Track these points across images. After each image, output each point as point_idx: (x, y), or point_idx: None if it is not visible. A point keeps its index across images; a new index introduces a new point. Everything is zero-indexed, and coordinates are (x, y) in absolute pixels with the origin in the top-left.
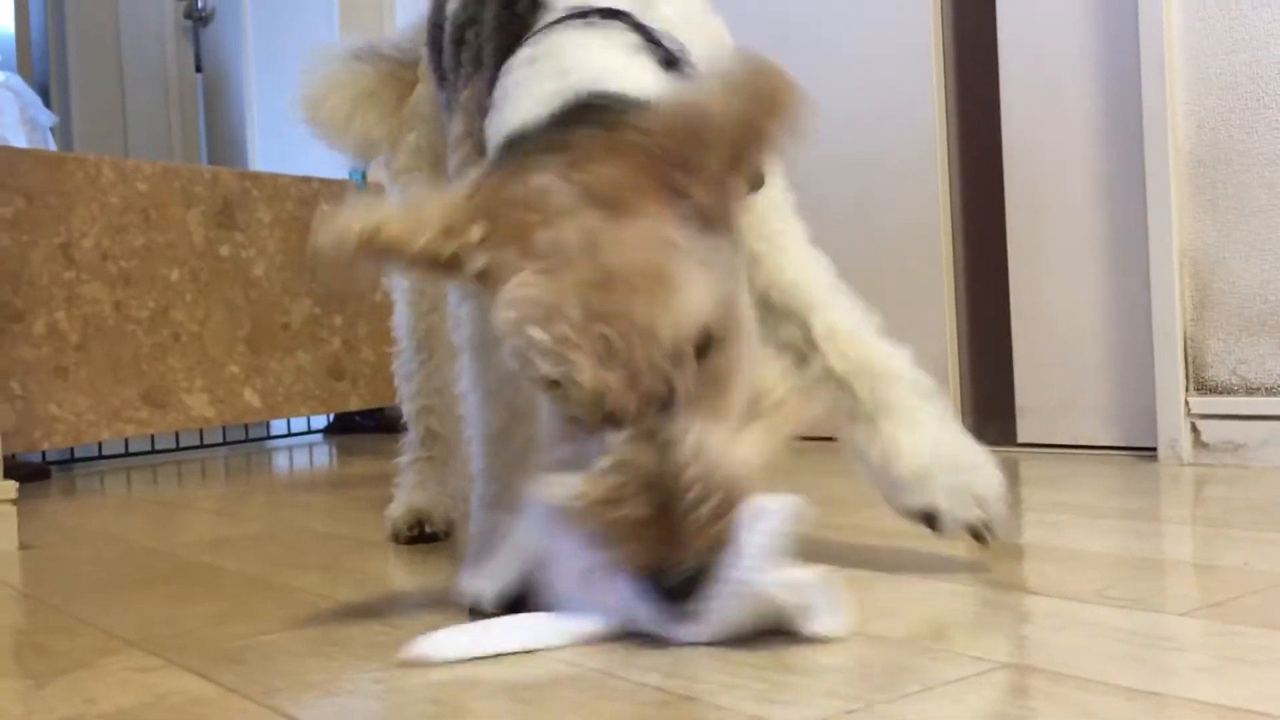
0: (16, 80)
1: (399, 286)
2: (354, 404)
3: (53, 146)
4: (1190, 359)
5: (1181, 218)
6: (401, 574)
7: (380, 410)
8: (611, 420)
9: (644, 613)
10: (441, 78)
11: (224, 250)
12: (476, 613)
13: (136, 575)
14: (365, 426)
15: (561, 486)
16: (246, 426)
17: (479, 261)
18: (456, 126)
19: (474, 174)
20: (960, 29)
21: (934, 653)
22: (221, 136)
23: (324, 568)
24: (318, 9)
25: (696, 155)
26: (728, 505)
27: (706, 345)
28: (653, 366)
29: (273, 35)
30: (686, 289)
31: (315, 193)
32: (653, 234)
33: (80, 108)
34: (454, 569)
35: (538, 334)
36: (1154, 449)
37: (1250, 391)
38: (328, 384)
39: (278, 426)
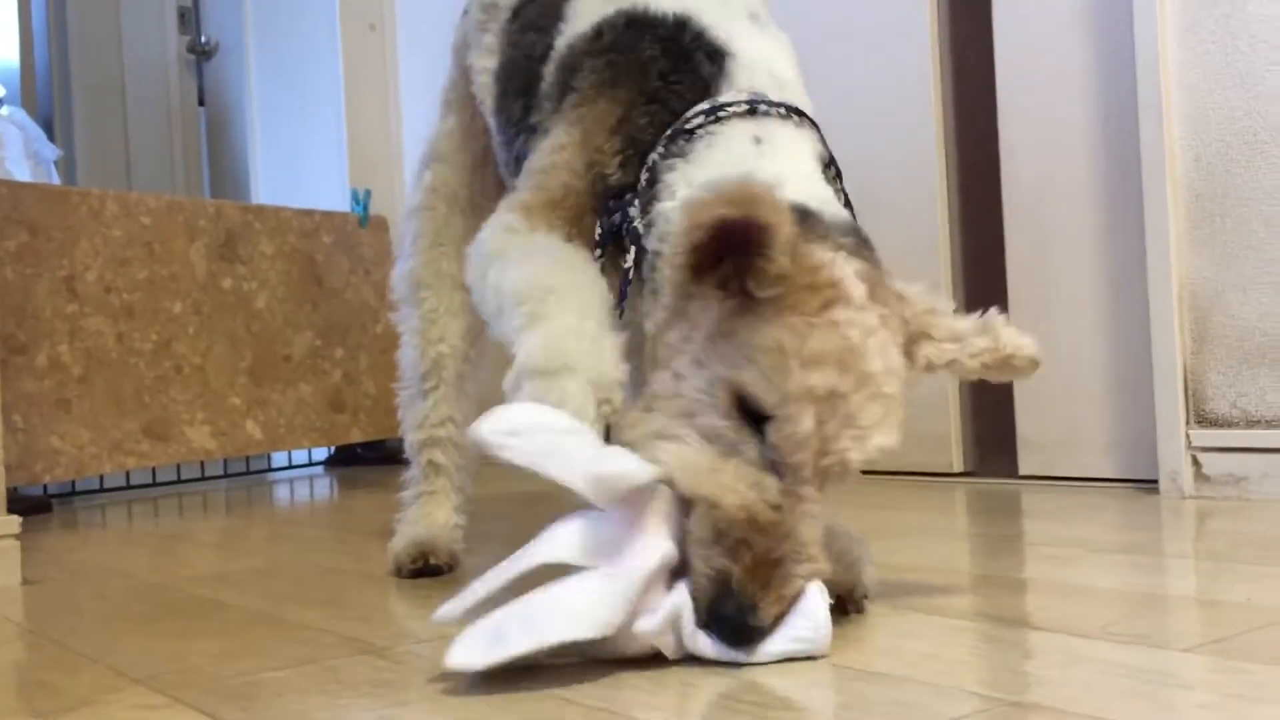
0: (20, 114)
1: (406, 318)
2: (355, 436)
3: (56, 180)
4: (1190, 392)
5: (1180, 252)
6: (405, 608)
7: (381, 442)
8: (775, 469)
9: (682, 627)
10: (528, 105)
11: (226, 283)
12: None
13: (140, 611)
14: (366, 459)
15: (724, 481)
16: (248, 459)
17: (773, 288)
18: (553, 139)
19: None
20: (959, 65)
21: (938, 689)
22: (224, 169)
23: (327, 603)
24: (319, 43)
25: (929, 329)
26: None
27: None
28: (842, 461)
29: (275, 69)
30: (896, 425)
31: (317, 225)
32: (899, 362)
33: (84, 141)
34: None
35: (796, 369)
36: (1156, 482)
37: (1251, 424)
38: (329, 416)
39: (279, 459)
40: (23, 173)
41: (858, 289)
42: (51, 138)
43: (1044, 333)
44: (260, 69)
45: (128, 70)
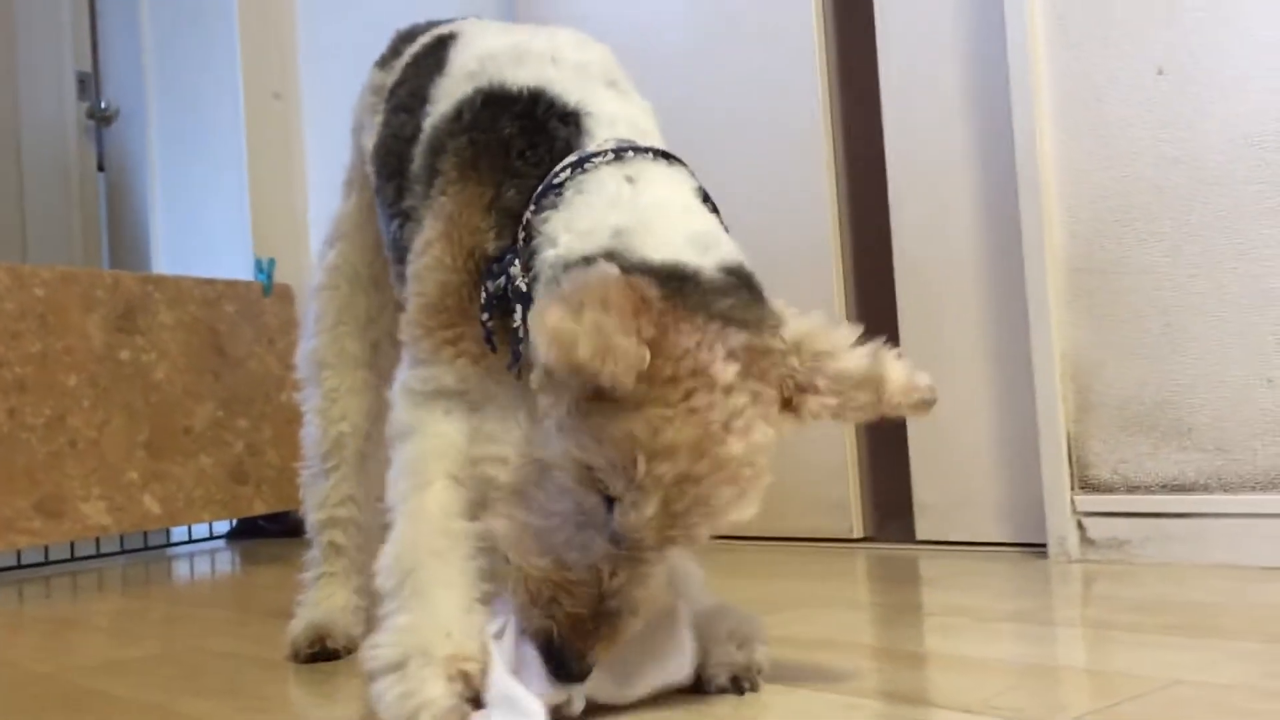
0: None
1: (309, 397)
2: (258, 508)
3: None
4: (1074, 459)
5: (1061, 324)
6: (301, 694)
7: (285, 514)
8: (615, 540)
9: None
10: (400, 187)
11: (124, 354)
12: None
13: (21, 704)
14: (270, 531)
15: (536, 560)
16: (145, 534)
17: (630, 388)
18: (423, 234)
19: (631, 276)
20: (850, 143)
21: None
22: (124, 236)
23: (224, 692)
24: (223, 110)
25: (812, 382)
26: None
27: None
28: (690, 533)
29: (177, 136)
30: (756, 498)
31: (219, 294)
32: (766, 440)
33: None
34: (358, 691)
35: (642, 461)
36: (1045, 545)
37: (1131, 489)
38: (231, 488)
39: (179, 533)
40: None
41: (726, 372)
42: None
43: (938, 401)
44: (162, 135)
45: (24, 135)
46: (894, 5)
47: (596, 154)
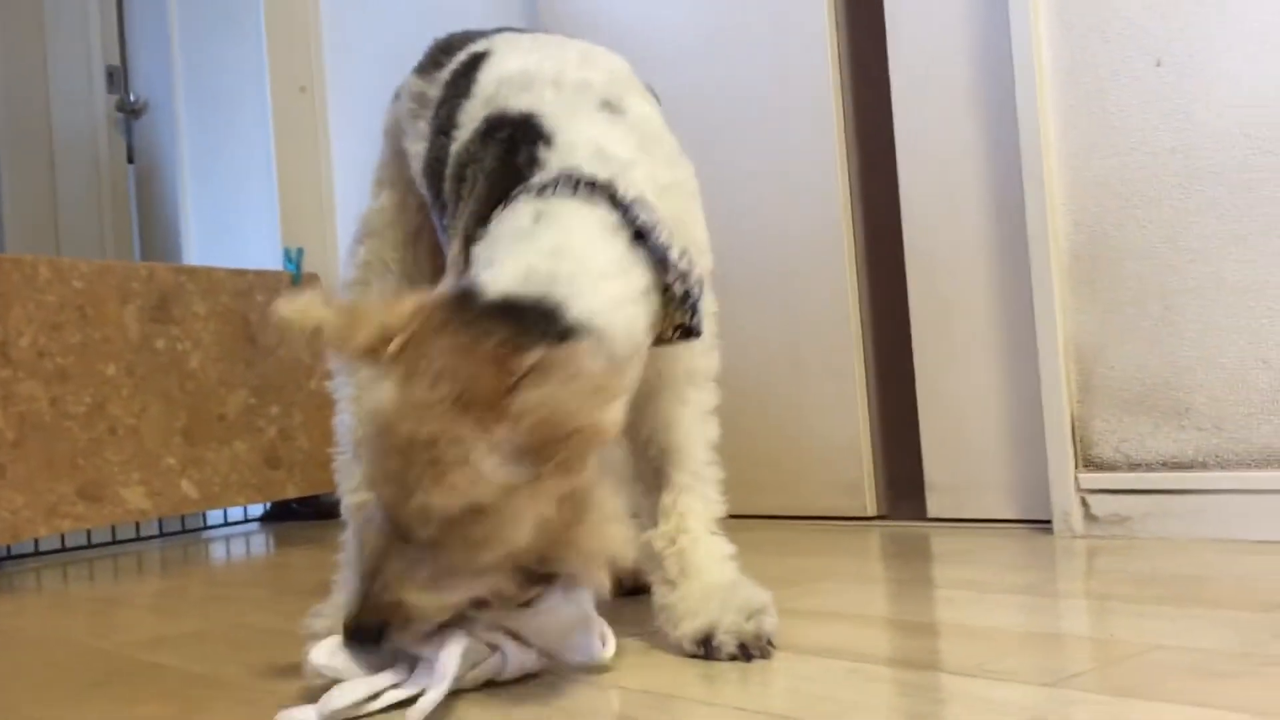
0: None
1: (341, 386)
2: (290, 492)
3: None
4: (1078, 438)
5: (1064, 309)
6: None
7: (316, 497)
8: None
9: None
10: (441, 206)
11: (160, 344)
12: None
13: (83, 677)
14: (302, 514)
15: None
16: (183, 518)
17: (375, 366)
18: (453, 249)
19: (431, 298)
20: (862, 136)
21: None
22: (154, 228)
23: (267, 663)
24: (250, 103)
25: (526, 407)
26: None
27: (457, 518)
28: (399, 503)
29: (205, 128)
30: (448, 490)
31: (250, 285)
32: (460, 433)
33: (12, 201)
34: None
35: (370, 432)
36: (1050, 522)
37: (1133, 467)
38: (264, 473)
39: (214, 516)
40: None
41: (441, 363)
42: None
43: (946, 383)
44: (190, 128)
45: (56, 129)
46: (903, 2)
47: (527, 188)
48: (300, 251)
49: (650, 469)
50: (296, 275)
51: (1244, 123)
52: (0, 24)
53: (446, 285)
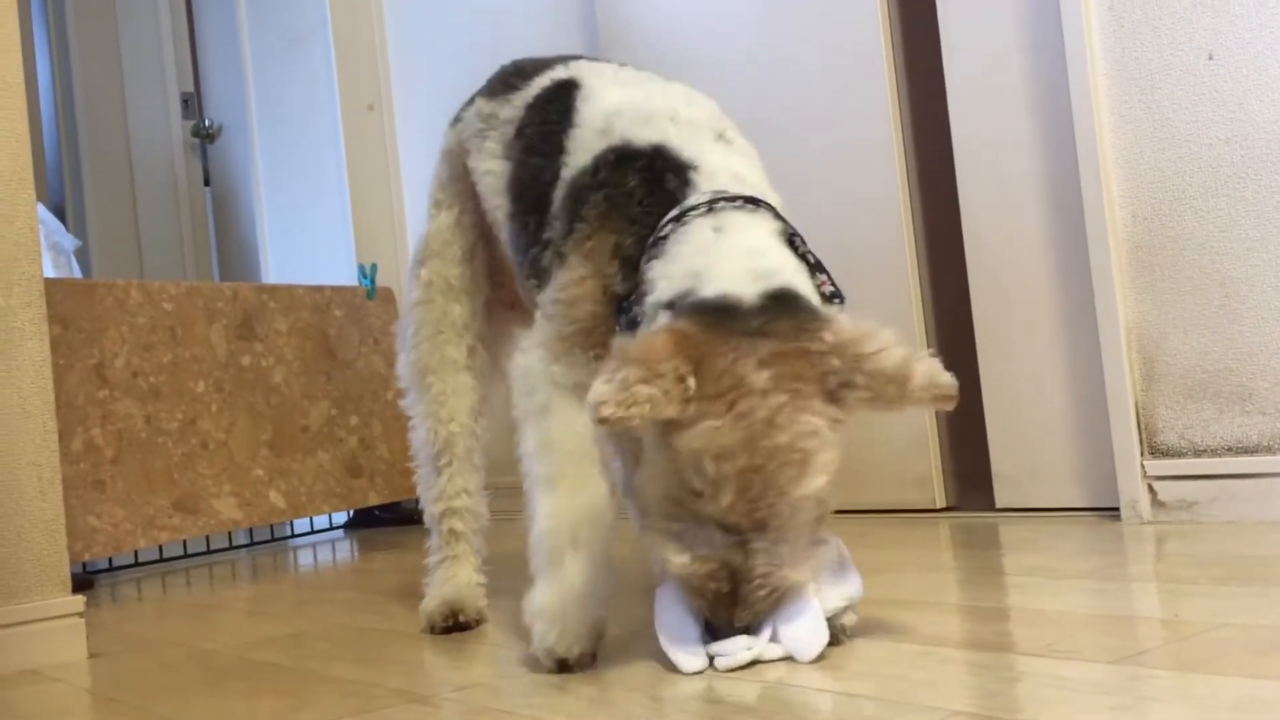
0: (39, 207)
1: (414, 404)
2: (372, 499)
3: (77, 269)
4: (1143, 426)
5: (1125, 299)
6: (441, 660)
7: (397, 504)
8: (724, 529)
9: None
10: (541, 221)
11: (245, 360)
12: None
13: (203, 676)
14: (384, 520)
15: (679, 558)
16: (272, 526)
17: (686, 412)
18: (571, 271)
19: (676, 323)
20: (918, 134)
21: (897, 705)
22: (231, 247)
23: (370, 660)
24: (321, 123)
25: (853, 378)
26: (775, 599)
27: (812, 510)
28: (772, 511)
29: (278, 149)
30: (816, 473)
31: (328, 300)
32: (810, 427)
33: (96, 227)
34: (488, 654)
35: (713, 465)
36: (1117, 509)
37: (1198, 454)
38: (347, 481)
39: (301, 525)
40: (45, 265)
41: (759, 377)
42: (66, 227)
43: (1010, 376)
44: (264, 150)
45: (135, 156)
46: (956, 1)
47: (694, 206)
48: (374, 266)
49: None
50: (371, 290)
51: None
52: (79, 59)
53: (660, 317)
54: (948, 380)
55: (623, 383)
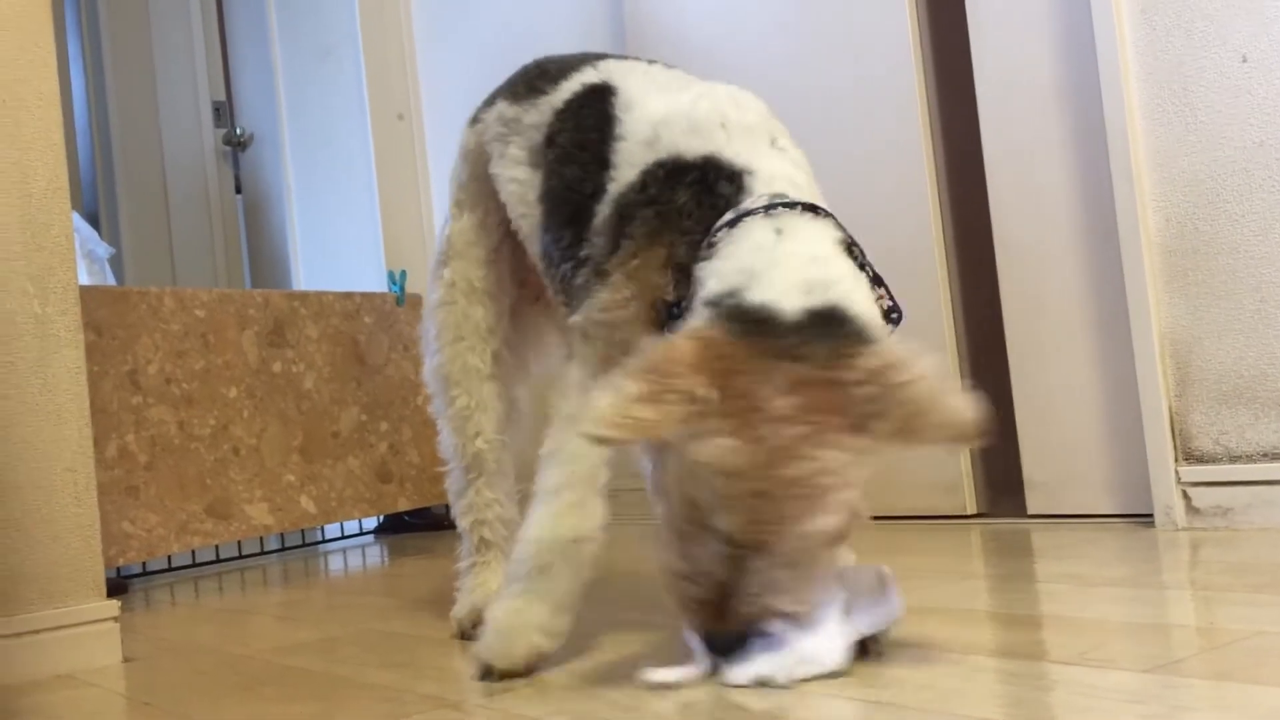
0: (74, 216)
1: (440, 411)
2: (402, 505)
3: (111, 277)
4: (1177, 432)
5: (1158, 304)
6: (469, 666)
7: (427, 509)
8: (729, 542)
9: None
10: (578, 235)
11: (276, 367)
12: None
13: (237, 680)
14: (414, 525)
15: (666, 555)
16: (303, 532)
17: (703, 425)
18: (615, 291)
19: (708, 329)
20: (948, 137)
21: (929, 715)
22: (263, 255)
23: (402, 665)
24: (351, 132)
25: (883, 409)
26: (758, 622)
27: (822, 542)
28: (775, 537)
29: (309, 158)
30: (828, 511)
31: (357, 307)
32: (827, 463)
33: (129, 235)
34: None
35: (721, 482)
36: (1151, 516)
37: (1233, 459)
38: (377, 487)
39: (331, 530)
40: (80, 273)
41: (782, 404)
42: (100, 235)
43: (1042, 381)
44: (295, 157)
45: (167, 165)
46: (985, 2)
47: (751, 210)
48: (404, 273)
49: None
50: (401, 296)
51: None
52: (113, 70)
53: (702, 314)
54: (968, 419)
55: (624, 401)
